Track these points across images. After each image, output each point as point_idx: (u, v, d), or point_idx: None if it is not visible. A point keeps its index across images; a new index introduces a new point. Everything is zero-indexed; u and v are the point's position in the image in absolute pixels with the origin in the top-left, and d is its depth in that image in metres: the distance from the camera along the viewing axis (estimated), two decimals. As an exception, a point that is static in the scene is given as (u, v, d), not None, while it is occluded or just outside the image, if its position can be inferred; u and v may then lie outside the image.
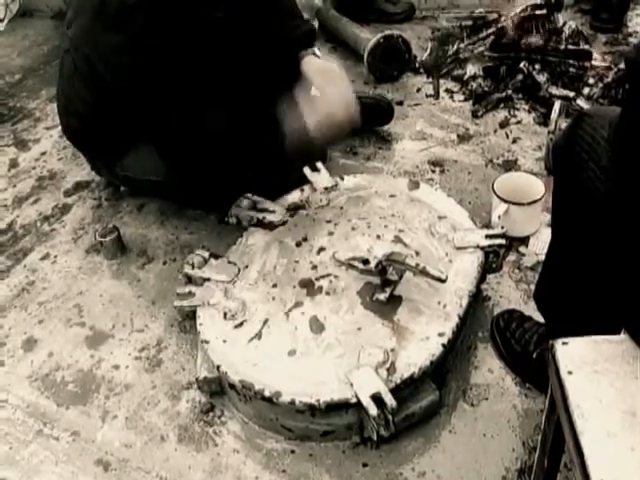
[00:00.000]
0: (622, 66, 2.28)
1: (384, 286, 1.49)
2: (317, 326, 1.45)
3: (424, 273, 1.43)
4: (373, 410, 1.28)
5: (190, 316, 1.57)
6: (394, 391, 1.31)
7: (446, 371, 1.54)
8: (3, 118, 2.64)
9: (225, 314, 1.50)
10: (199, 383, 1.52)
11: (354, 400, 1.31)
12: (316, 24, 2.98)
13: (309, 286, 1.53)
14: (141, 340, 1.70)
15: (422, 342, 1.41)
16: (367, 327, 1.44)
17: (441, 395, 1.44)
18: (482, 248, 1.58)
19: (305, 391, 1.34)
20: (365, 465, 1.39)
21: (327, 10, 2.91)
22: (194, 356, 1.60)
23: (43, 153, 2.41)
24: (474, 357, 1.58)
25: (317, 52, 2.04)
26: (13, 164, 2.37)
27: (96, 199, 2.17)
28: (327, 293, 1.51)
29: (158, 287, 1.84)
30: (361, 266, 1.51)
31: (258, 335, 1.46)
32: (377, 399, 1.29)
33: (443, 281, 1.43)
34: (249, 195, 1.76)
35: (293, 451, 1.43)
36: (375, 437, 1.35)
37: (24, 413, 1.56)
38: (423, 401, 1.41)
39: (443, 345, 1.40)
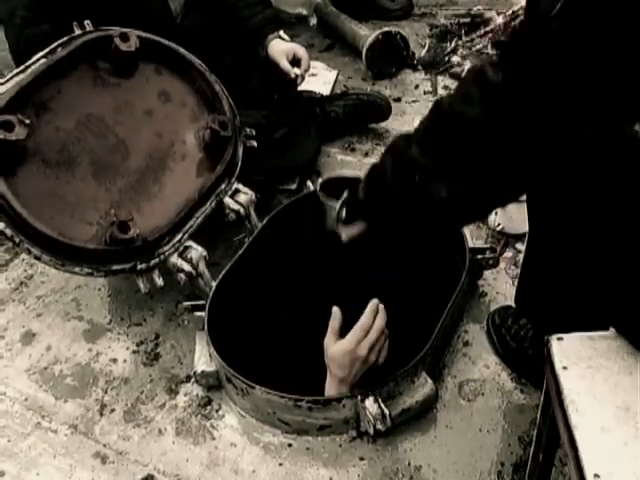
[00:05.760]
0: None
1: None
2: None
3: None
4: (369, 403, 1.29)
5: (189, 309, 1.58)
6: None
7: (442, 366, 1.55)
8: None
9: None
10: (196, 377, 1.52)
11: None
12: (315, 20, 2.99)
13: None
14: (139, 334, 1.71)
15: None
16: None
17: (437, 390, 1.45)
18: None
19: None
20: (362, 459, 1.40)
21: (326, 6, 2.92)
22: (192, 350, 1.60)
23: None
24: (470, 352, 1.59)
25: (283, 35, 2.05)
26: (11, 158, 2.36)
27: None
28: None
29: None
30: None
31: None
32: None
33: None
34: None
35: (290, 445, 1.44)
36: (372, 431, 1.36)
37: (22, 406, 1.57)
38: (419, 396, 1.42)
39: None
